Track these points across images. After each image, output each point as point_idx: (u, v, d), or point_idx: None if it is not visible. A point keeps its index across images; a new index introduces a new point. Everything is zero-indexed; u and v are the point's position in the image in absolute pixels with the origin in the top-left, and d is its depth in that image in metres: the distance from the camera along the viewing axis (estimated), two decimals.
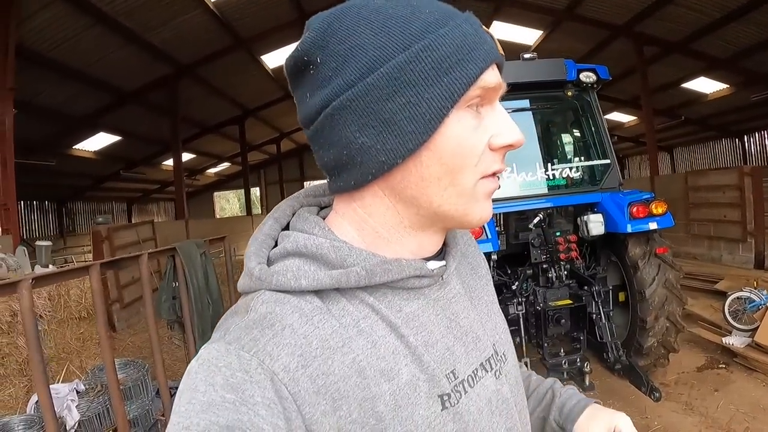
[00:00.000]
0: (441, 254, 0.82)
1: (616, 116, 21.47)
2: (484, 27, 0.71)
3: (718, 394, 4.71)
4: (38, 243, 7.39)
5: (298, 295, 0.69)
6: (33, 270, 7.03)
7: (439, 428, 0.70)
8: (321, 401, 0.63)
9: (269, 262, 0.74)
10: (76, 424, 3.40)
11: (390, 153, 0.67)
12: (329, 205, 0.84)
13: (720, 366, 5.32)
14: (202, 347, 0.66)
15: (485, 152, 0.70)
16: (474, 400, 0.76)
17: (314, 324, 0.66)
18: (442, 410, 0.71)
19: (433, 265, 0.78)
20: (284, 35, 15.02)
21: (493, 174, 0.73)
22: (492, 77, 0.68)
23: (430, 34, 0.65)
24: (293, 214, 0.82)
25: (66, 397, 3.47)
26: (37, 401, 3.51)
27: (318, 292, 0.70)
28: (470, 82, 0.66)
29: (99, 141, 18.05)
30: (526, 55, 4.99)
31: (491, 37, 0.71)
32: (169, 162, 20.43)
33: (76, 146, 17.58)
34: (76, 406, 3.48)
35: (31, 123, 13.54)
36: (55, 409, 3.42)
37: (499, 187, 0.75)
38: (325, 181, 0.82)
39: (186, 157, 23.19)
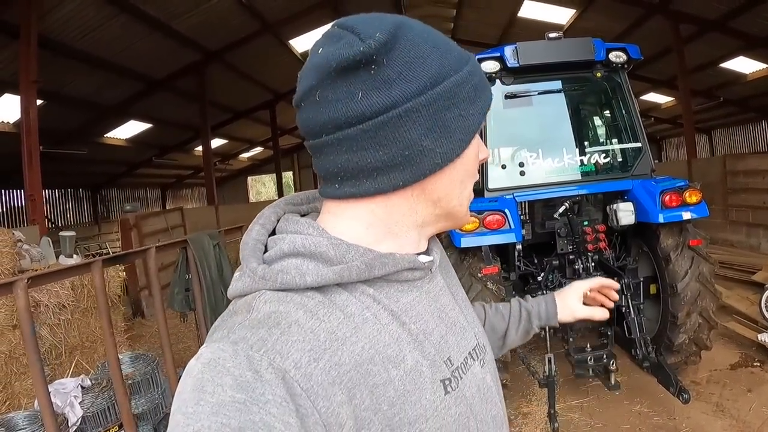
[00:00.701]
0: (425, 252, 0.87)
1: (653, 97, 20.75)
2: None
3: (752, 395, 4.46)
4: (62, 233, 7.40)
5: (300, 292, 0.71)
6: (57, 260, 7.07)
7: (444, 411, 0.75)
8: (336, 392, 0.64)
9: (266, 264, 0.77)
10: (79, 421, 3.34)
11: (444, 156, 0.75)
12: (307, 214, 0.88)
13: (755, 364, 5.05)
14: (204, 347, 0.66)
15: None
16: (468, 386, 0.81)
17: (320, 318, 0.69)
18: (445, 395, 0.76)
19: (423, 258, 0.83)
20: (311, 19, 14.86)
21: None
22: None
23: (468, 63, 0.78)
24: (278, 221, 0.84)
25: (70, 394, 3.42)
26: None
27: (319, 288, 0.73)
28: (490, 105, 0.80)
29: (130, 129, 18.24)
30: (552, 35, 4.75)
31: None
32: (201, 148, 20.59)
33: (108, 134, 17.78)
34: (80, 402, 3.42)
35: (61, 113, 13.70)
36: (60, 404, 3.39)
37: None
38: (303, 192, 0.91)
39: (218, 142, 23.35)
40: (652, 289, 4.80)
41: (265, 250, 0.80)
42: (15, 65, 9.20)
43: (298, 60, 17.59)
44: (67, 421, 3.30)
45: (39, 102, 12.34)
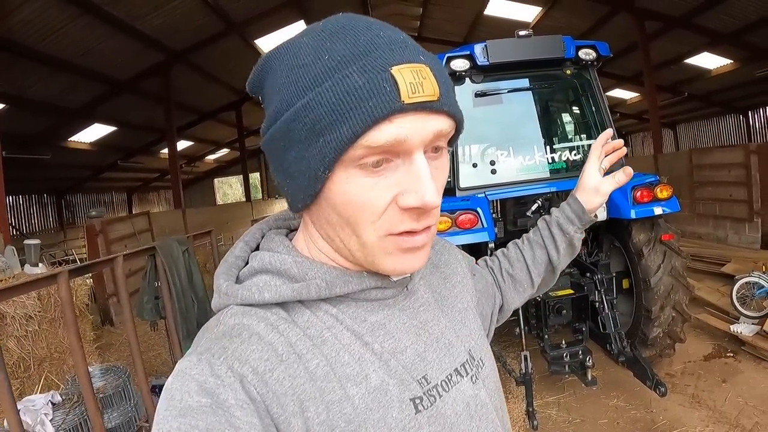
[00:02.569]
0: None
1: (619, 93, 21.09)
2: (399, 68, 0.63)
3: (726, 386, 4.53)
4: (26, 242, 7.19)
5: (265, 308, 0.72)
6: (23, 269, 6.86)
7: (414, 431, 0.72)
8: (288, 402, 0.65)
9: (239, 280, 0.79)
10: None
11: (294, 197, 0.72)
12: (297, 229, 0.87)
13: (728, 355, 5.13)
14: (179, 362, 0.67)
15: (389, 210, 0.68)
16: (450, 404, 0.78)
17: (279, 332, 0.70)
18: (416, 413, 0.73)
19: (396, 277, 0.79)
20: (277, 18, 14.76)
21: (408, 233, 0.70)
22: (384, 135, 0.63)
23: (313, 89, 0.64)
24: (262, 237, 0.85)
25: (40, 411, 3.30)
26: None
27: (283, 305, 0.74)
28: (344, 145, 0.63)
29: (94, 132, 17.88)
30: (521, 33, 4.74)
31: (395, 83, 0.63)
32: (167, 150, 20.29)
33: (72, 138, 17.41)
34: (51, 420, 3.30)
35: (24, 117, 13.38)
36: (30, 423, 3.27)
37: (420, 244, 0.72)
38: None
39: (184, 144, 23.03)
40: (625, 283, 4.84)
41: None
42: None
43: None
44: None
45: (1, 106, 12.09)
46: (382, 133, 0.63)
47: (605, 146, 1.24)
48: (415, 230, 0.69)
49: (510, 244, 1.27)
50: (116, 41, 12.31)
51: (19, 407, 3.42)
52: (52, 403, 3.48)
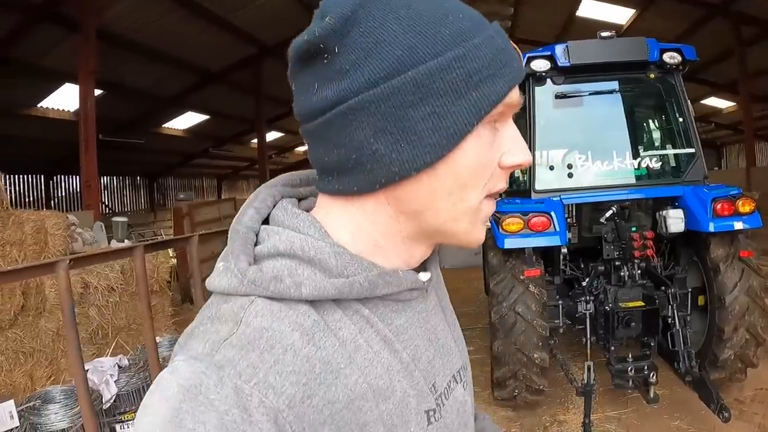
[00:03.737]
0: (423, 265, 0.78)
1: (713, 101, 19.96)
2: (511, 42, 0.67)
3: None
4: (114, 219, 7.69)
5: (294, 307, 0.62)
6: (109, 244, 7.31)
7: None
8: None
9: (256, 261, 0.66)
10: (113, 398, 3.45)
11: (405, 164, 0.62)
12: (306, 197, 0.78)
13: None
14: (181, 361, 0.59)
15: (495, 170, 0.68)
16: (450, 413, 0.75)
17: (316, 344, 0.61)
18: (428, 425, 0.70)
19: (423, 276, 0.75)
20: None
21: (496, 194, 0.70)
22: (516, 95, 0.66)
23: (465, 42, 0.62)
24: (273, 205, 0.73)
25: (106, 372, 3.53)
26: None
27: (313, 304, 0.64)
28: (499, 99, 0.63)
29: (187, 120, 18.74)
30: (604, 34, 4.60)
31: (519, 53, 0.68)
32: (256, 140, 20.98)
33: (165, 125, 18.31)
34: (116, 381, 3.52)
35: (120, 103, 14.19)
36: (96, 382, 3.50)
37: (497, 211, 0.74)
38: (300, 172, 0.80)
39: (274, 135, 23.72)
40: (700, 300, 4.60)
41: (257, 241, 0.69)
42: (74, 57, 9.54)
43: None
44: (102, 398, 3.41)
45: (99, 92, 12.85)
46: (515, 95, 0.66)
47: None
48: (503, 190, 0.71)
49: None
50: (210, 34, 12.86)
51: (87, 367, 3.68)
52: (119, 366, 3.70)
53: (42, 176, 18.15)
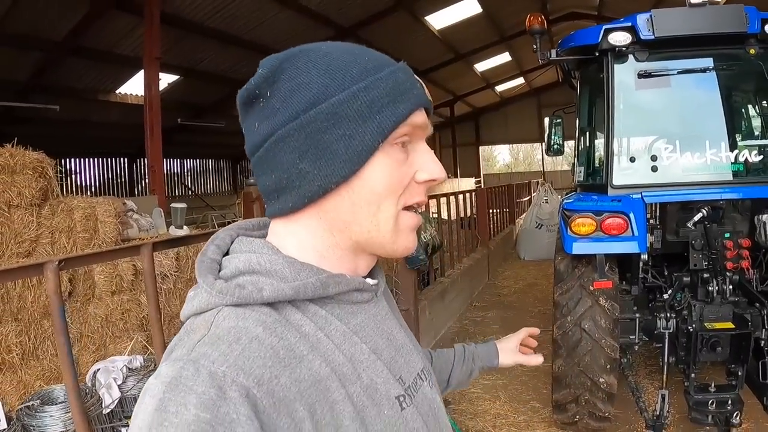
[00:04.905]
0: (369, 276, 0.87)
1: None
2: (415, 76, 0.81)
3: None
4: (173, 205, 7.63)
5: (257, 309, 0.71)
6: (168, 230, 7.27)
7: (403, 426, 0.77)
8: (298, 408, 0.65)
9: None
10: (113, 403, 3.19)
11: (325, 179, 0.74)
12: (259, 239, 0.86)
13: None
14: (162, 366, 0.65)
15: (410, 185, 0.80)
16: (420, 404, 0.83)
17: (278, 335, 0.69)
18: (401, 410, 0.77)
19: (370, 281, 0.84)
20: None
21: (414, 206, 0.82)
22: (420, 118, 0.79)
23: (368, 77, 0.75)
24: (231, 242, 0.84)
25: (111, 374, 3.29)
26: (95, 372, 3.39)
27: (273, 306, 0.72)
28: (399, 121, 0.75)
29: None
30: (694, 0, 3.89)
31: (421, 84, 0.81)
32: None
33: None
34: (120, 385, 3.28)
35: (197, 88, 14.39)
36: (102, 383, 3.27)
37: (421, 222, 0.84)
38: (255, 219, 0.92)
39: None
40: None
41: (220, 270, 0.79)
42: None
43: (434, 37, 17.26)
44: (102, 402, 3.17)
45: (175, 77, 13.10)
46: (418, 117, 0.79)
47: (528, 340, 1.47)
48: (422, 202, 0.82)
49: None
50: (284, 17, 12.75)
51: (99, 366, 3.48)
52: (128, 367, 3.47)
53: (126, 160, 18.84)
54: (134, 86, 13.23)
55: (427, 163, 0.81)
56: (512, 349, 1.42)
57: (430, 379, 0.92)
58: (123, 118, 14.26)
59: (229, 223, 12.86)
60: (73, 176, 15.51)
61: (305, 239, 0.79)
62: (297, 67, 0.75)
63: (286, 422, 0.63)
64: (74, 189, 14.69)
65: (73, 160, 16.25)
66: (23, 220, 5.07)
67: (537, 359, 1.43)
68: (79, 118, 13.10)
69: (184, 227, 7.57)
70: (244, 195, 10.68)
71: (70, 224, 5.48)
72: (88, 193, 16.43)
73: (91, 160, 17.18)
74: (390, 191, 0.77)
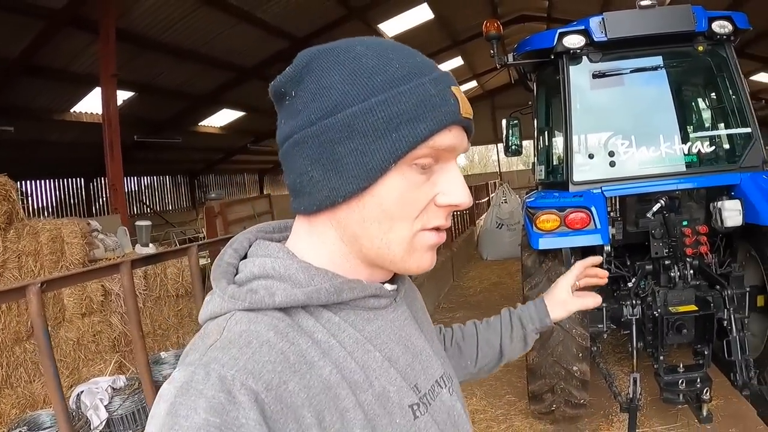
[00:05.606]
0: (390, 280, 0.86)
1: (764, 77, 18.74)
2: (454, 88, 0.74)
3: None
4: (137, 223, 7.52)
5: (269, 314, 0.71)
6: (134, 249, 7.16)
7: None
8: (306, 414, 0.65)
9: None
10: (102, 424, 3.19)
11: (333, 191, 0.72)
12: (279, 242, 0.85)
13: None
14: (176, 371, 0.65)
15: (429, 207, 0.76)
16: (437, 412, 0.82)
17: (289, 340, 0.69)
18: (414, 419, 0.76)
19: (388, 287, 0.83)
20: (399, 2, 14.53)
21: (436, 228, 0.77)
22: (446, 140, 0.73)
23: (390, 89, 0.71)
24: (249, 246, 0.83)
25: (97, 396, 3.28)
26: (78, 394, 3.37)
27: (286, 311, 0.72)
28: (417, 142, 0.71)
29: (224, 117, 18.80)
30: (643, 3, 4.10)
31: (457, 99, 0.74)
32: None
33: (202, 123, 18.39)
34: (108, 404, 3.27)
35: (153, 103, 14.21)
36: (88, 405, 3.26)
37: (444, 239, 0.80)
38: (277, 221, 0.91)
39: None
40: (759, 300, 4.09)
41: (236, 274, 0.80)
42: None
43: None
44: (90, 424, 3.16)
45: (130, 94, 12.92)
46: (444, 139, 0.73)
47: (589, 269, 1.35)
48: (443, 226, 0.77)
49: (468, 322, 1.32)
50: (239, 30, 12.71)
51: (83, 389, 3.47)
52: (112, 387, 3.46)
53: (82, 180, 18.42)
54: (90, 104, 12.98)
55: (451, 187, 0.76)
56: (563, 300, 1.29)
57: (450, 385, 0.90)
58: (79, 137, 13.97)
59: (191, 240, 12.73)
60: (27, 199, 15.08)
61: (321, 243, 0.78)
62: (323, 68, 0.73)
63: (293, 428, 0.63)
64: (29, 212, 14.29)
65: (27, 182, 15.81)
66: None
67: (595, 300, 1.29)
68: (35, 139, 12.80)
69: (150, 245, 7.47)
70: (206, 210, 10.60)
71: (36, 247, 5.38)
72: (45, 215, 16.01)
73: (45, 181, 16.74)
74: (403, 214, 0.74)
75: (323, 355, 0.70)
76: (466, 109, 0.75)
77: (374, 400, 0.72)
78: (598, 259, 1.36)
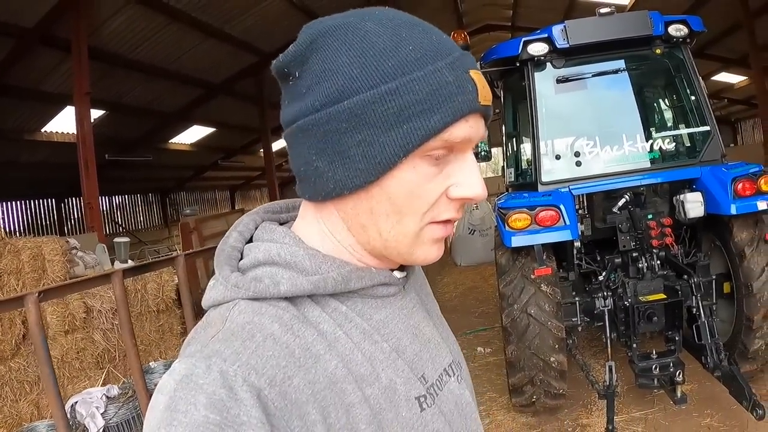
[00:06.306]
0: (399, 267, 0.83)
1: (725, 77, 19.34)
2: (473, 72, 0.69)
3: None
4: (116, 240, 7.54)
5: (274, 303, 0.68)
6: (113, 266, 7.17)
7: (421, 428, 0.73)
8: (311, 411, 0.63)
9: (240, 273, 0.74)
10: (99, 431, 3.25)
11: (339, 183, 0.69)
12: (287, 222, 0.84)
13: None
14: (177, 362, 0.63)
15: (440, 200, 0.72)
16: (445, 403, 0.79)
17: (294, 333, 0.66)
18: (421, 411, 0.73)
19: (398, 274, 0.81)
20: None
21: (446, 221, 0.74)
22: (461, 131, 0.68)
23: (402, 76, 0.65)
24: (256, 228, 0.80)
25: (92, 404, 3.35)
26: (72, 405, 3.42)
27: (292, 301, 0.70)
28: (430, 135, 0.66)
29: (193, 133, 18.72)
30: (602, 10, 4.33)
31: (476, 85, 0.69)
32: None
33: (172, 140, 18.30)
34: (103, 413, 3.33)
35: (124, 122, 14.16)
36: (83, 414, 3.32)
37: (453, 232, 0.61)
38: (284, 200, 0.87)
39: (282, 143, 23.64)
40: (726, 287, 4.32)
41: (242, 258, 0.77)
42: (70, 79, 9.52)
43: None
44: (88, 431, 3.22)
45: (101, 112, 12.85)
46: (459, 130, 0.67)
47: None
48: (454, 219, 0.74)
49: None
50: (207, 46, 12.76)
51: (76, 399, 3.52)
52: (107, 396, 3.52)
53: (54, 200, 18.18)
54: (61, 123, 12.88)
55: (466, 179, 0.71)
56: None
57: (459, 373, 0.87)
58: (50, 156, 13.83)
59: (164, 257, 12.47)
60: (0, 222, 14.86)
61: (328, 231, 0.75)
62: (329, 47, 0.67)
63: (298, 425, 0.61)
64: None
65: None
66: None
67: None
68: (6, 160, 12.64)
69: (129, 261, 7.49)
70: (181, 226, 10.62)
71: (18, 266, 5.38)
72: (17, 237, 15.69)
73: (15, 202, 16.48)
74: (412, 208, 0.70)
75: (329, 348, 0.68)
76: (484, 95, 0.69)
77: (380, 393, 0.70)
78: None
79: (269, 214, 0.84)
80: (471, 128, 0.69)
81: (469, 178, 0.71)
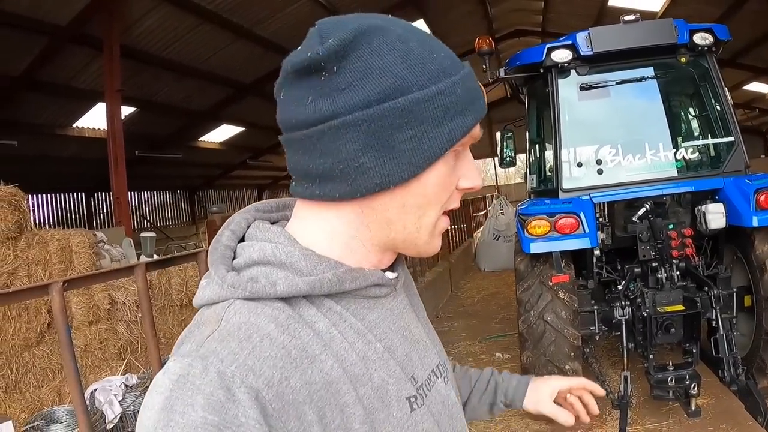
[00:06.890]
0: (390, 268, 0.85)
1: (756, 86, 18.95)
2: (477, 81, 0.77)
3: None
4: (143, 234, 7.70)
5: (270, 303, 0.69)
6: (138, 260, 7.32)
7: (412, 428, 0.75)
8: (307, 411, 0.63)
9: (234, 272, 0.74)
10: (116, 418, 3.34)
11: (386, 178, 0.70)
12: (278, 221, 0.84)
13: None
14: (171, 361, 0.63)
15: (453, 191, 0.78)
16: (433, 403, 0.81)
17: (291, 333, 0.67)
18: (411, 411, 0.75)
19: (390, 275, 0.82)
20: (397, 16, 14.81)
21: (449, 212, 0.80)
22: (477, 129, 0.76)
23: (446, 78, 0.71)
24: (248, 227, 0.81)
25: (111, 392, 3.44)
26: (92, 392, 3.51)
27: (287, 300, 0.70)
28: (466, 131, 0.73)
29: (223, 132, 18.95)
30: (627, 18, 4.30)
31: (483, 92, 0.77)
32: None
33: (202, 138, 18.55)
34: (121, 400, 3.43)
35: (155, 119, 14.41)
36: (102, 401, 3.41)
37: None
38: (274, 200, 0.88)
39: None
40: (747, 300, 4.24)
41: (234, 257, 0.77)
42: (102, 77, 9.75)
43: None
44: (105, 418, 3.32)
45: (132, 110, 13.12)
46: (477, 128, 0.75)
47: (586, 395, 1.21)
48: (455, 209, 0.81)
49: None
50: (237, 46, 12.93)
51: (96, 386, 3.61)
52: (126, 385, 3.61)
53: (83, 194, 18.58)
54: (92, 120, 13.19)
55: (470, 171, 0.79)
56: (542, 398, 1.18)
57: (445, 375, 0.89)
58: (81, 152, 14.17)
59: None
60: (30, 214, 15.24)
61: (336, 229, 0.76)
62: (372, 46, 0.69)
63: (295, 425, 0.62)
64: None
65: (29, 196, 15.96)
66: (0, 254, 5.12)
67: (568, 419, 1.16)
68: (38, 154, 12.99)
69: (154, 256, 7.64)
70: (208, 223, 10.74)
71: (46, 256, 5.52)
72: (47, 229, 16.07)
73: (46, 195, 16.88)
74: (438, 198, 0.76)
75: (324, 348, 0.69)
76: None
77: (373, 393, 0.71)
78: (601, 392, 1.22)
79: (260, 213, 0.84)
80: (479, 128, 0.77)
81: (472, 171, 0.79)
